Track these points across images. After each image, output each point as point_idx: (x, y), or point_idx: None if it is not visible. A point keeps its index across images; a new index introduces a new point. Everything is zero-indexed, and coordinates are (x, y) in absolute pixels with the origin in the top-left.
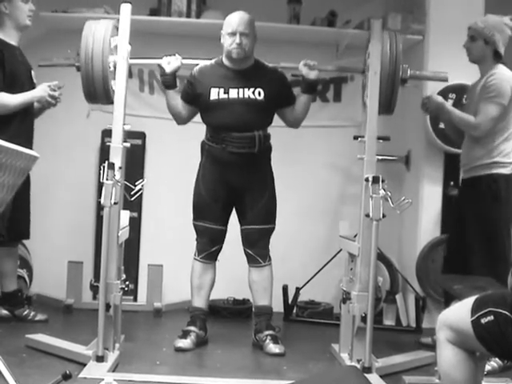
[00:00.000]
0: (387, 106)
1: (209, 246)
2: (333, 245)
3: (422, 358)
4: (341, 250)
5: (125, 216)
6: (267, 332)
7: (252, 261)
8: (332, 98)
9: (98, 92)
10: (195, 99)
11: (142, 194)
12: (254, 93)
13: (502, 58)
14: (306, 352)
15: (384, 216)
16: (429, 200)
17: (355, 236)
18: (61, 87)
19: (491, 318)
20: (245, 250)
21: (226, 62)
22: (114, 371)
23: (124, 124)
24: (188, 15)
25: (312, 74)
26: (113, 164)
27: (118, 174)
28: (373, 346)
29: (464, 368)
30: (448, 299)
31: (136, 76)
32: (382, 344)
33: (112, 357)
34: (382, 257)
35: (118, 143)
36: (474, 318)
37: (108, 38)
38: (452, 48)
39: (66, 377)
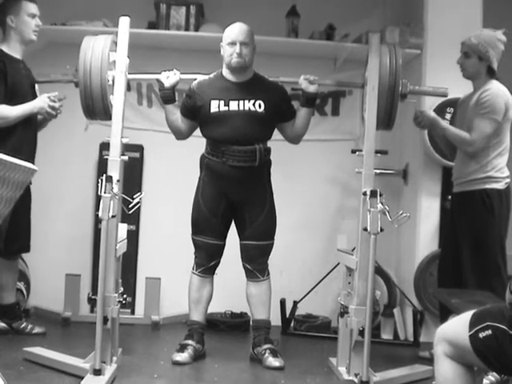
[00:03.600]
0: (386, 121)
1: (207, 261)
2: (330, 258)
3: (420, 371)
4: (338, 263)
5: (123, 229)
6: (266, 346)
7: (250, 275)
8: (330, 111)
9: (96, 107)
10: (195, 113)
11: (139, 207)
12: (254, 105)
13: (495, 74)
14: (303, 366)
15: (382, 230)
16: (427, 214)
17: (353, 250)
18: (61, 99)
19: (489, 332)
20: (244, 265)
21: (225, 73)
22: None
23: (122, 137)
24: (186, 28)
25: (312, 88)
26: (111, 177)
27: (116, 187)
28: (370, 360)
29: (462, 382)
30: (444, 313)
31: (134, 89)
32: (379, 358)
33: (109, 370)
34: (379, 271)
35: (115, 156)
36: (471, 333)
37: (106, 52)
38: (450, 62)
39: None
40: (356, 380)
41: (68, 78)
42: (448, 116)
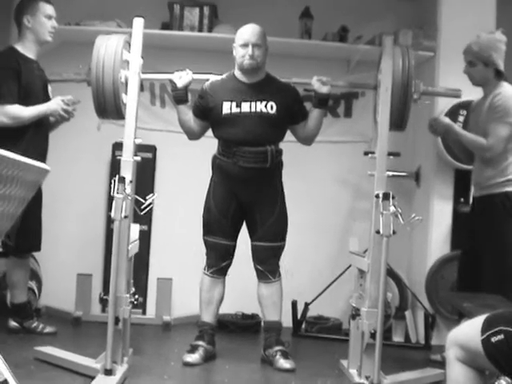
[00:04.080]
0: (399, 122)
1: (218, 262)
2: (342, 260)
3: (431, 375)
4: (350, 265)
5: (135, 229)
6: (277, 347)
7: (262, 277)
8: (343, 113)
9: (108, 106)
10: (207, 114)
11: (152, 207)
12: (266, 106)
13: (503, 75)
14: (314, 368)
15: (394, 232)
16: (439, 216)
17: (365, 252)
18: (75, 102)
19: (501, 336)
20: (255, 266)
21: (237, 74)
22: None
23: (135, 138)
24: (200, 29)
25: (324, 89)
26: (123, 178)
27: (129, 188)
28: (382, 363)
29: None
30: (462, 317)
31: (147, 89)
32: (390, 360)
33: (120, 370)
34: (391, 273)
35: (128, 157)
36: (484, 337)
37: (119, 52)
38: (463, 64)
39: None
40: (367, 382)
41: (80, 77)
42: (461, 118)
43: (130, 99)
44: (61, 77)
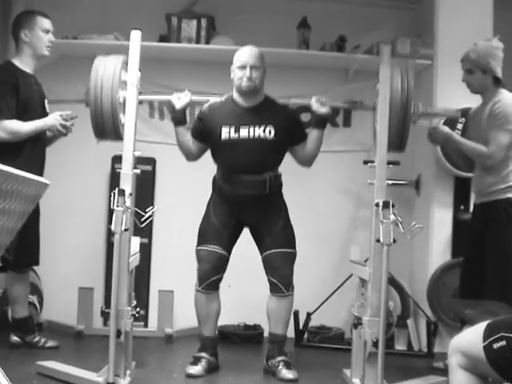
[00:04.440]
0: (398, 143)
1: (211, 274)
2: (344, 270)
3: (434, 382)
4: (352, 274)
5: (135, 242)
6: (280, 358)
7: (275, 290)
8: (342, 122)
9: (107, 128)
10: (206, 136)
11: (152, 220)
12: (264, 131)
13: (501, 82)
14: (317, 378)
15: (395, 241)
16: (439, 224)
17: (366, 261)
18: (73, 117)
19: (503, 343)
20: (268, 279)
21: (236, 97)
22: None
23: (134, 150)
24: (197, 41)
25: (323, 109)
26: (123, 190)
27: (129, 201)
28: (384, 371)
29: None
30: (464, 324)
31: (146, 102)
32: (393, 369)
33: (123, 383)
34: (393, 281)
35: (128, 170)
36: (486, 344)
37: (118, 73)
38: (461, 72)
39: None
40: None
41: (79, 98)
42: (460, 126)
43: (129, 111)
44: (59, 97)
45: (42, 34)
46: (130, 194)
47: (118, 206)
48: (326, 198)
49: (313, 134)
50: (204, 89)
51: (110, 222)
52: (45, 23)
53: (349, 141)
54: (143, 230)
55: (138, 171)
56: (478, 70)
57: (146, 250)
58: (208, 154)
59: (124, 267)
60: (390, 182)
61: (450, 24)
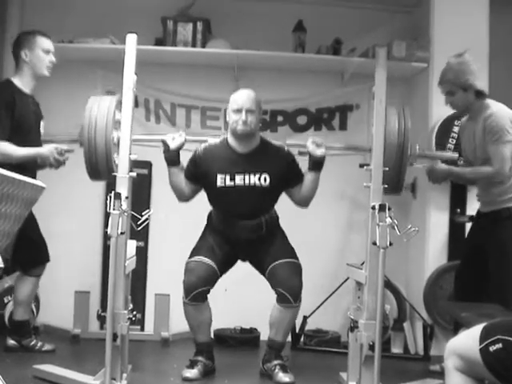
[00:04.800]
0: (395, 185)
1: (196, 286)
2: (340, 273)
3: None
4: (348, 278)
5: (131, 246)
6: (276, 361)
7: (282, 300)
8: (338, 126)
9: (100, 168)
10: (200, 179)
11: (148, 223)
12: (259, 179)
13: (484, 93)
14: (313, 381)
15: (391, 244)
16: (435, 227)
17: (362, 264)
18: (69, 151)
19: (500, 345)
20: (276, 290)
21: (231, 142)
22: None
23: (130, 154)
24: (193, 44)
25: (319, 151)
26: (119, 194)
27: (125, 204)
28: (381, 375)
29: None
30: (457, 327)
31: (142, 105)
32: (390, 372)
33: None
34: (389, 285)
35: (124, 173)
36: (482, 346)
37: (112, 112)
38: None
39: None
40: None
41: (72, 138)
42: (456, 129)
43: (125, 114)
44: (53, 137)
45: (43, 54)
46: (126, 198)
47: (114, 209)
48: (321, 201)
49: (309, 176)
50: (200, 92)
51: (106, 225)
52: (45, 43)
53: (345, 143)
54: (139, 233)
55: (134, 174)
56: (458, 89)
57: (142, 254)
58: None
59: (120, 271)
60: (386, 185)
61: (446, 27)
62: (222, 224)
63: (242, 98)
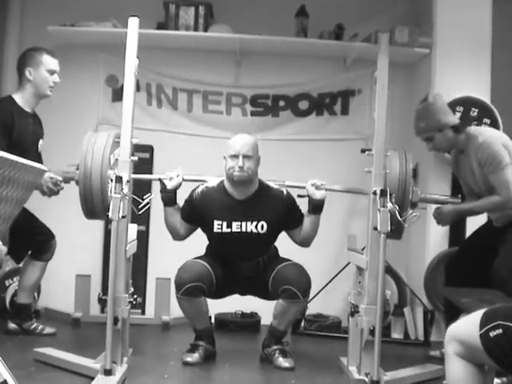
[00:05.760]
0: (396, 230)
1: (187, 280)
2: (341, 258)
3: (431, 371)
4: (349, 263)
5: (133, 229)
6: (276, 346)
7: (290, 296)
8: (340, 111)
9: (96, 209)
10: (196, 222)
11: (149, 207)
12: (256, 227)
13: (462, 125)
14: (314, 365)
15: (392, 229)
16: None
17: (363, 249)
18: (63, 181)
19: (500, 331)
20: (283, 288)
21: (228, 187)
22: None
23: (132, 137)
24: (195, 29)
25: (318, 194)
26: (121, 177)
27: (126, 188)
28: (381, 360)
29: (473, 382)
30: (451, 313)
31: (144, 89)
32: (390, 357)
33: (120, 370)
34: (389, 270)
35: (125, 157)
36: (482, 332)
37: (107, 152)
38: (459, 61)
39: None
40: (367, 379)
41: (69, 176)
42: (458, 115)
43: (127, 98)
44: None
45: (47, 74)
46: (128, 181)
47: (115, 192)
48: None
49: (309, 218)
50: (202, 76)
51: (107, 209)
52: (51, 64)
53: (347, 129)
54: (141, 217)
55: (135, 158)
56: (434, 132)
57: (143, 238)
58: (205, 142)
59: (121, 254)
60: (388, 170)
61: (449, 13)
62: (218, 261)
63: (240, 143)
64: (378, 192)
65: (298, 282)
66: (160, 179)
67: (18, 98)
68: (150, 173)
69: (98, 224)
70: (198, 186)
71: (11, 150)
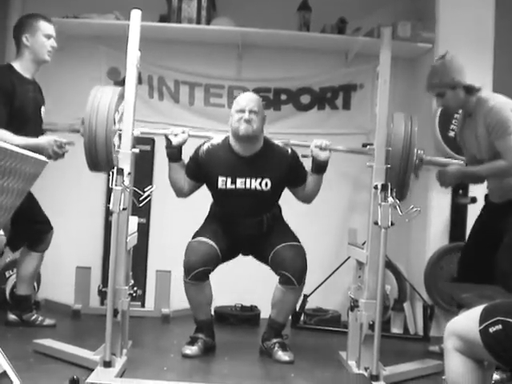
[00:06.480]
0: (399, 192)
1: (196, 264)
2: (341, 252)
3: (430, 366)
4: (349, 257)
5: (133, 222)
6: (275, 340)
7: (285, 281)
8: (341, 105)
9: (100, 162)
10: (201, 178)
11: (150, 200)
12: (261, 184)
13: (475, 87)
14: (313, 359)
15: (392, 224)
16: (437, 208)
17: (363, 244)
18: (69, 143)
19: (499, 327)
20: (280, 273)
21: (233, 144)
22: (121, 377)
23: (133, 130)
24: (198, 21)
25: (323, 155)
26: (122, 170)
27: (127, 180)
28: (380, 354)
29: (472, 377)
30: (460, 308)
31: (146, 82)
32: (389, 352)
33: (119, 362)
34: (390, 265)
35: (127, 149)
36: (482, 327)
37: (113, 108)
38: (461, 56)
39: (74, 382)
40: (366, 374)
41: (73, 128)
42: (460, 111)
43: (128, 91)
44: (55, 126)
45: (44, 39)
46: (129, 174)
47: (116, 185)
48: (324, 181)
49: (312, 177)
50: (204, 69)
51: (108, 201)
52: (47, 28)
53: (348, 123)
54: (141, 209)
55: (136, 151)
56: (446, 89)
57: (143, 230)
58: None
59: (122, 247)
60: (389, 165)
61: (452, 8)
62: (222, 219)
63: (246, 99)
64: (379, 186)
65: (293, 266)
66: (165, 135)
67: (17, 65)
68: (152, 166)
69: (99, 216)
70: (203, 143)
71: (14, 118)
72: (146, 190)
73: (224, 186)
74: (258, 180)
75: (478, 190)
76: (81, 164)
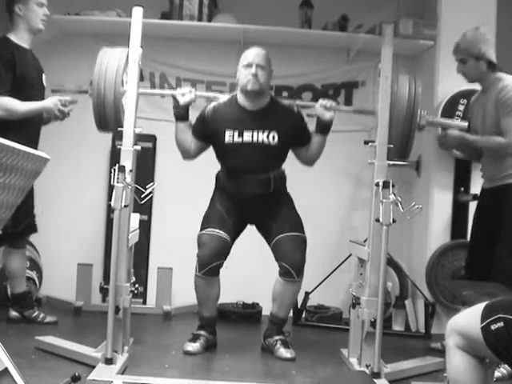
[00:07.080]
0: (402, 152)
1: (210, 260)
2: (342, 249)
3: (431, 363)
4: (350, 254)
5: (135, 219)
6: (277, 337)
7: (285, 274)
8: (343, 102)
9: (109, 121)
10: (207, 137)
11: (152, 197)
12: (268, 137)
13: (497, 66)
14: (314, 357)
15: (394, 221)
16: (439, 206)
17: (365, 241)
18: (73, 102)
19: (501, 324)
20: (279, 264)
21: (240, 99)
22: (122, 374)
23: (135, 127)
24: (199, 19)
25: (327, 115)
26: (123, 167)
27: (129, 177)
28: (382, 351)
29: (473, 374)
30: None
31: (147, 79)
32: (391, 349)
33: (121, 359)
34: (391, 262)
35: (128, 146)
36: (483, 325)
37: (121, 69)
38: None
39: (75, 379)
40: (367, 371)
41: (82, 89)
42: (461, 107)
43: (130, 87)
44: (62, 87)
45: (36, 7)
46: (131, 171)
47: (118, 182)
48: (325, 178)
49: (316, 138)
50: (205, 67)
51: (110, 198)
52: None
53: (350, 121)
54: (143, 206)
55: (138, 148)
56: (470, 58)
57: (145, 227)
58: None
59: (123, 244)
60: (391, 162)
61: (453, 5)
62: (229, 182)
63: (252, 53)
64: (381, 184)
65: (292, 258)
66: (173, 95)
67: (13, 36)
68: (153, 163)
69: (101, 213)
70: (209, 103)
71: (18, 85)
72: (147, 187)
73: (231, 140)
74: (266, 133)
75: (480, 189)
76: (82, 162)
